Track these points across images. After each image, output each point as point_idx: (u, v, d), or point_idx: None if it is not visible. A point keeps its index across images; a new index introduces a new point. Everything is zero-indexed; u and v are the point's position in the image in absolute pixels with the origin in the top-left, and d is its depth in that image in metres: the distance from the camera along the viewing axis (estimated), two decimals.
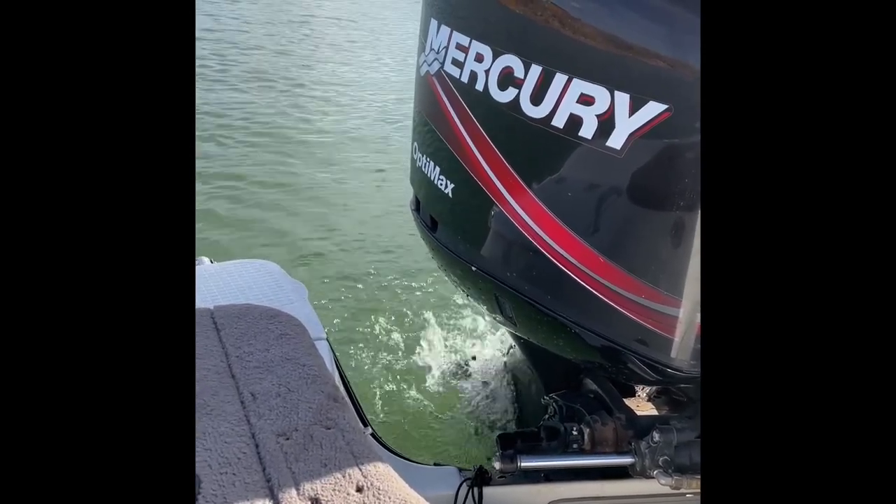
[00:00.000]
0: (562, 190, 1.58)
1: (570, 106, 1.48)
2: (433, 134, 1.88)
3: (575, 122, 1.48)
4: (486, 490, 1.97)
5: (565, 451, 1.93)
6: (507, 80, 1.59)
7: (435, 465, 2.17)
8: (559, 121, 1.50)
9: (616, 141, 1.44)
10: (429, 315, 4.07)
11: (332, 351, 2.01)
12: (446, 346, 3.69)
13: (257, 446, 1.26)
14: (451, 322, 4.02)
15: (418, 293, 4.40)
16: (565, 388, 2.16)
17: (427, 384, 3.39)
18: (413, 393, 3.34)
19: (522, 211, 1.65)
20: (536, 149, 1.57)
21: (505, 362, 2.89)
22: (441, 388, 3.32)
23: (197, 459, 1.19)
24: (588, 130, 1.47)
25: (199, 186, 6.09)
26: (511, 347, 3.01)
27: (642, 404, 2.23)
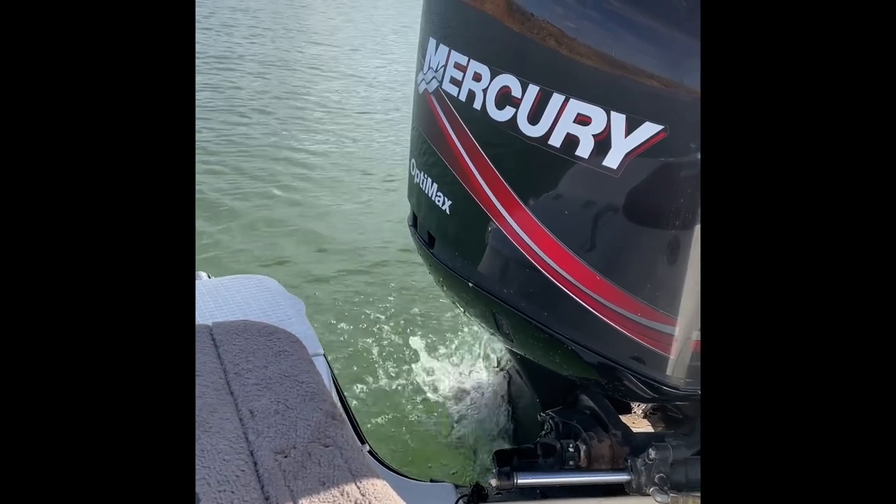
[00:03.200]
0: (558, 208, 1.59)
1: (566, 126, 1.50)
2: (431, 151, 1.89)
3: (572, 141, 1.49)
4: None
5: (562, 467, 1.93)
6: (504, 99, 1.61)
7: (431, 481, 2.17)
8: (556, 140, 1.52)
9: (612, 160, 1.45)
10: (427, 332, 4.08)
11: (330, 367, 2.01)
12: (445, 362, 3.69)
13: (255, 464, 1.26)
14: (449, 339, 4.02)
15: (416, 309, 4.40)
16: (561, 404, 2.16)
17: (425, 401, 3.39)
18: (410, 409, 3.34)
19: (519, 228, 1.66)
20: (533, 167, 1.58)
21: (503, 380, 2.89)
22: (438, 405, 3.32)
23: (195, 477, 1.19)
24: (585, 150, 1.48)
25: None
26: (499, 364, 3.02)
27: (638, 421, 2.23)
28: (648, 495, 1.79)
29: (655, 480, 1.78)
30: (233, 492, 1.17)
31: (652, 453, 1.79)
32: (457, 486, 2.07)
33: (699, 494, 1.74)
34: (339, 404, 2.02)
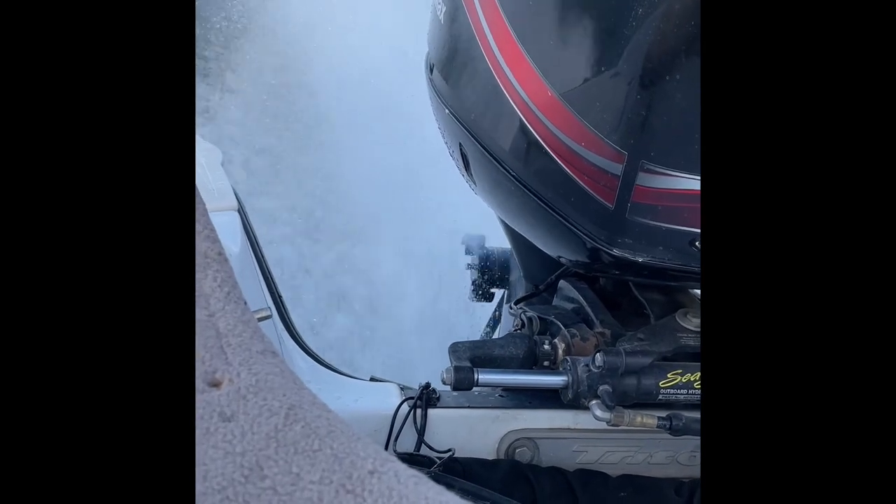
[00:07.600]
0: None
1: None
2: None
3: None
4: (432, 413, 1.58)
5: (532, 367, 1.55)
6: None
7: (372, 380, 1.79)
8: None
9: None
10: None
11: (245, 224, 1.60)
12: None
13: None
14: None
15: None
16: (535, 294, 1.79)
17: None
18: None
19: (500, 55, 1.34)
20: None
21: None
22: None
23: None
24: None
25: None
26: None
27: None
28: (586, 408, 1.43)
29: (598, 393, 1.40)
30: None
31: (598, 359, 1.40)
32: (402, 388, 1.69)
33: (652, 413, 1.39)
34: (254, 263, 1.63)
